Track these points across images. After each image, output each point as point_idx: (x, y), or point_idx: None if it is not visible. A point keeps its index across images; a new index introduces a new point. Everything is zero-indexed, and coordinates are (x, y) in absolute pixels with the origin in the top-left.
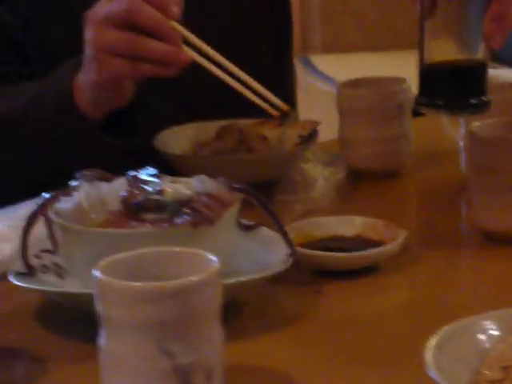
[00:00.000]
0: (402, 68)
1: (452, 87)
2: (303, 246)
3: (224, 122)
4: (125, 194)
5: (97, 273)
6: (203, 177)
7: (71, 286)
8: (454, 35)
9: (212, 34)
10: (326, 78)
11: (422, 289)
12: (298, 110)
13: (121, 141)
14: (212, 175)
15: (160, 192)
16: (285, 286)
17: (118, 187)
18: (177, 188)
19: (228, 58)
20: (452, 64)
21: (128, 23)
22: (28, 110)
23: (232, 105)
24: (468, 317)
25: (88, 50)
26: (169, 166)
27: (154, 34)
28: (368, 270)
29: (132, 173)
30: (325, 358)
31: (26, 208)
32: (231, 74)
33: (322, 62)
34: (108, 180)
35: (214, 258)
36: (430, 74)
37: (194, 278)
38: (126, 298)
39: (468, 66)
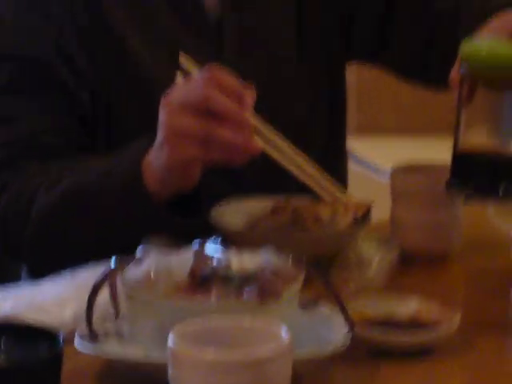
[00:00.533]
0: (438, 152)
1: (483, 175)
2: (357, 324)
3: (279, 198)
4: (192, 265)
5: (171, 342)
6: (269, 251)
7: (132, 353)
8: (489, 125)
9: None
10: (359, 161)
11: (478, 373)
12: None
13: (185, 220)
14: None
15: (226, 265)
16: (341, 363)
17: (185, 258)
18: (242, 262)
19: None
20: (485, 154)
21: (203, 110)
22: (100, 184)
23: (286, 182)
24: None
25: (161, 133)
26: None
27: (228, 122)
28: (423, 353)
29: (199, 243)
30: None
31: (84, 272)
32: (298, 166)
33: (357, 144)
34: (174, 248)
35: (284, 330)
36: (462, 160)
37: (269, 350)
38: (201, 367)
39: (500, 158)
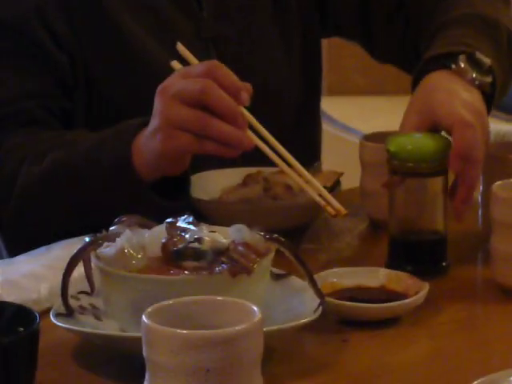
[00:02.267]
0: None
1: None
2: (328, 295)
3: (250, 170)
4: (164, 241)
5: (145, 319)
6: (240, 226)
7: (108, 327)
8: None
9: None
10: (331, 120)
11: (443, 341)
12: (321, 158)
13: (171, 202)
14: (237, 222)
15: (198, 240)
16: (312, 333)
17: (157, 234)
18: (214, 236)
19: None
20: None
21: (199, 103)
22: (87, 161)
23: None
24: (491, 372)
25: (156, 121)
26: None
27: (223, 116)
28: (391, 321)
29: (170, 220)
30: None
31: (59, 249)
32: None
33: (327, 104)
34: (147, 226)
35: (255, 308)
36: (397, 245)
37: (239, 328)
38: (174, 344)
39: (431, 238)
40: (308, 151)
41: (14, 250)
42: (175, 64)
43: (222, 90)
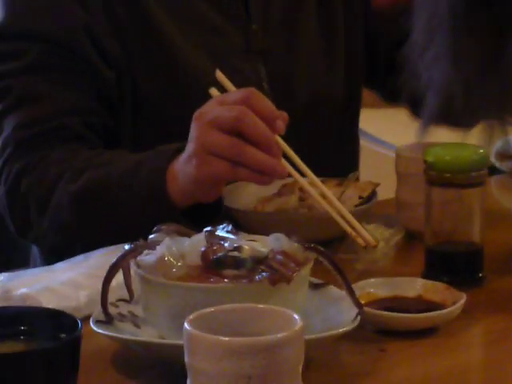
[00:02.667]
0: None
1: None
2: (365, 305)
3: (286, 180)
4: (204, 249)
5: (187, 326)
6: (278, 235)
7: (147, 335)
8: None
9: None
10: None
11: (480, 352)
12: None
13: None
14: (273, 232)
15: (238, 249)
16: (349, 343)
17: (197, 242)
18: (253, 245)
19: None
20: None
21: (235, 130)
22: (121, 181)
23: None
24: None
25: (191, 146)
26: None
27: (258, 144)
28: (428, 331)
29: (209, 229)
30: None
31: (97, 257)
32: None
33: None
34: (186, 235)
35: (296, 315)
36: (434, 254)
37: (282, 335)
38: (216, 352)
39: (467, 249)
40: (347, 162)
41: (48, 258)
42: (213, 91)
43: (258, 117)
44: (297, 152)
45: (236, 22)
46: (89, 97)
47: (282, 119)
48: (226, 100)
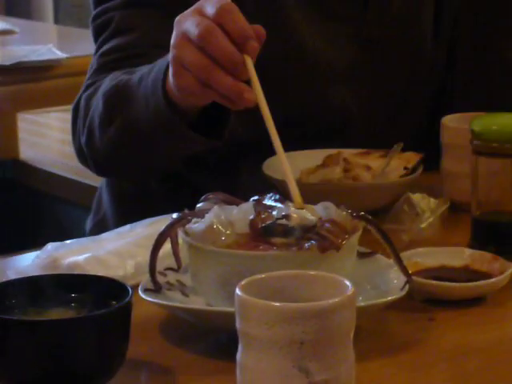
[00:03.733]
0: None
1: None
2: (413, 274)
3: (330, 151)
4: (252, 217)
5: (239, 292)
6: (327, 203)
7: (195, 303)
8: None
9: None
10: None
11: None
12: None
13: (203, 138)
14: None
15: (286, 217)
16: (398, 312)
17: (245, 210)
18: (301, 213)
19: None
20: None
21: (201, 49)
22: (140, 82)
23: (337, 135)
24: None
25: (170, 54)
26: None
27: (223, 66)
28: (476, 301)
29: (257, 197)
30: None
31: (143, 227)
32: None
33: None
34: (234, 203)
35: (347, 282)
36: (480, 224)
37: (334, 301)
38: (268, 317)
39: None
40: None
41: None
42: None
43: (229, 35)
44: None
45: (351, 10)
46: None
47: (256, 39)
48: (202, 10)
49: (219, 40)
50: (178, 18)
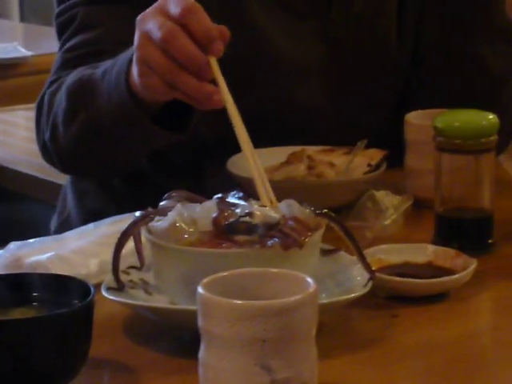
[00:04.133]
0: None
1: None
2: (376, 271)
3: (294, 148)
4: (216, 215)
5: (201, 290)
6: (290, 201)
7: (158, 301)
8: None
9: None
10: None
11: (491, 317)
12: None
13: (166, 132)
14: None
15: (249, 214)
16: (361, 309)
17: (208, 208)
18: (265, 211)
19: None
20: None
21: (164, 51)
22: (103, 75)
23: (303, 132)
24: None
25: (134, 54)
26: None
27: (187, 68)
28: (438, 297)
29: (220, 195)
30: (398, 381)
31: (106, 225)
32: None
33: None
34: (197, 201)
35: (310, 279)
36: (444, 220)
37: (295, 298)
38: (230, 315)
39: (478, 216)
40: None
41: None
42: None
43: (193, 37)
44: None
45: (316, 10)
46: None
47: (221, 39)
48: (165, 10)
49: (182, 43)
50: (140, 17)
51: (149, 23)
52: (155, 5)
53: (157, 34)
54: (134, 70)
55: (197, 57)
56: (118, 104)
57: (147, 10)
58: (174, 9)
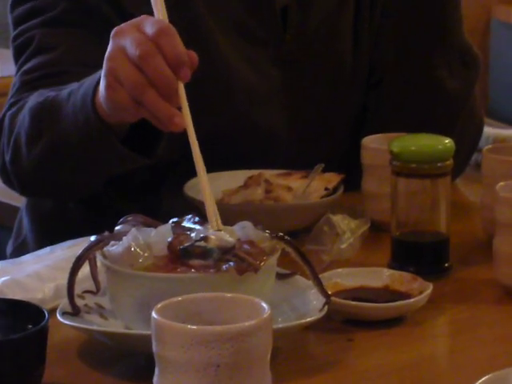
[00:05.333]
0: None
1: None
2: (332, 295)
3: (252, 172)
4: (171, 239)
5: (155, 315)
6: (245, 223)
7: (114, 326)
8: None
9: None
10: None
11: (447, 341)
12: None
13: (134, 154)
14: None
15: (204, 239)
16: (317, 333)
17: (163, 233)
18: (220, 235)
19: None
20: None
21: (139, 67)
22: (69, 97)
23: (262, 155)
24: (496, 370)
25: (104, 67)
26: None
27: (158, 88)
28: (394, 321)
29: (175, 220)
30: None
31: (62, 249)
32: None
33: None
34: (152, 226)
35: (264, 304)
36: (400, 245)
37: (250, 323)
38: (184, 340)
39: (434, 240)
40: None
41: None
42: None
43: (165, 59)
44: None
45: (271, 31)
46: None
47: (189, 65)
48: (141, 27)
49: (158, 63)
50: (115, 31)
51: (126, 38)
52: (132, 21)
53: (134, 50)
54: (102, 84)
55: (170, 79)
56: (83, 125)
57: (123, 25)
58: (150, 28)
